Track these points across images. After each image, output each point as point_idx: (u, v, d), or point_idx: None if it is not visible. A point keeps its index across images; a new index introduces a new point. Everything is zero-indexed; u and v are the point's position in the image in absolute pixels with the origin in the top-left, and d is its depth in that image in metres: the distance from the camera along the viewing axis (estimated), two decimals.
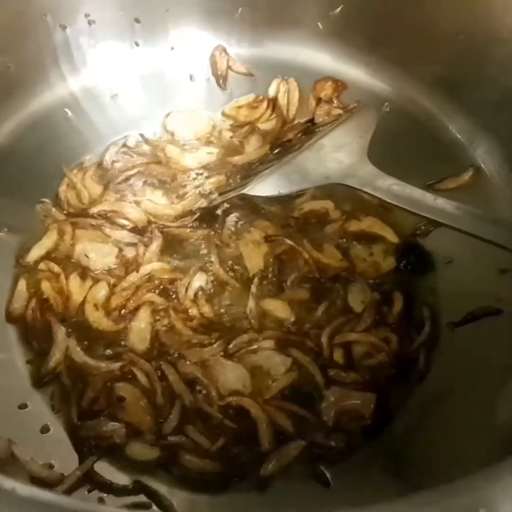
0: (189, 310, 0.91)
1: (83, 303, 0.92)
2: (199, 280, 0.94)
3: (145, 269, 0.95)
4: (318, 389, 0.85)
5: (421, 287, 0.96)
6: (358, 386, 0.86)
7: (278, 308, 0.91)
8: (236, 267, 0.97)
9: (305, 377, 0.86)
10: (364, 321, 0.91)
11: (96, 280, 0.94)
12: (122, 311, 0.92)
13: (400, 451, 0.82)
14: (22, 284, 0.94)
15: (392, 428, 0.84)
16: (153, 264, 0.96)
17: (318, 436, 0.81)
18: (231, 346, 0.87)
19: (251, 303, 0.90)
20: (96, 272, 0.96)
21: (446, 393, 0.85)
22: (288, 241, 0.96)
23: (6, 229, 0.97)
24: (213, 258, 0.96)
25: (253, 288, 0.92)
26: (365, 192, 0.84)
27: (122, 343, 0.89)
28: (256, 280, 0.93)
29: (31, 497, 0.42)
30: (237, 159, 1.11)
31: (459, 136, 1.05)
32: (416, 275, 0.97)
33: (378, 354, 0.88)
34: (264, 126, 1.16)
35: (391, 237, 0.99)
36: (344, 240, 0.99)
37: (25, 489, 0.42)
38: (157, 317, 0.91)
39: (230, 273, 0.95)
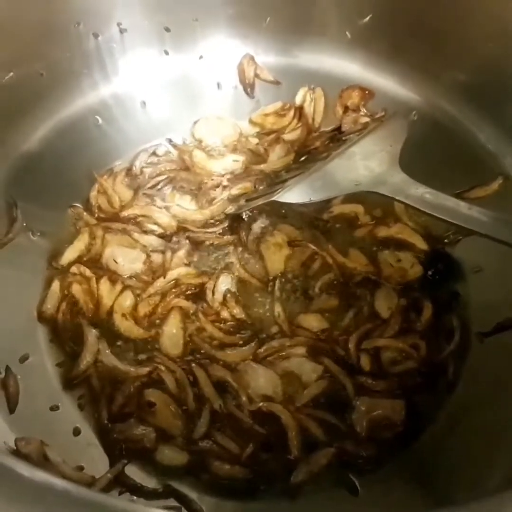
0: (220, 313, 0.91)
1: (112, 308, 0.93)
2: (224, 283, 0.95)
3: (172, 274, 0.96)
4: (349, 398, 0.84)
5: (450, 296, 0.95)
6: (387, 394, 0.85)
7: (311, 321, 0.91)
8: (257, 268, 0.97)
9: (335, 386, 0.86)
10: (391, 327, 0.90)
11: (124, 286, 0.95)
12: (152, 318, 0.92)
13: (427, 460, 0.82)
14: (55, 286, 0.95)
15: (420, 437, 0.84)
16: (179, 269, 0.97)
17: (349, 445, 0.81)
18: (262, 350, 0.87)
19: (278, 308, 0.91)
20: (123, 277, 0.97)
21: (474, 404, 0.85)
22: (312, 246, 0.96)
23: (38, 233, 0.98)
24: (234, 260, 0.97)
25: (277, 292, 0.93)
26: (397, 200, 0.84)
27: (155, 346, 0.89)
28: (278, 283, 0.93)
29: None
30: (263, 167, 1.12)
31: (487, 145, 1.05)
32: (444, 284, 0.96)
33: (407, 361, 0.88)
34: (289, 135, 1.17)
35: (420, 244, 0.99)
36: (371, 245, 0.99)
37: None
38: (187, 322, 0.91)
39: (252, 276, 0.96)
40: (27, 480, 0.45)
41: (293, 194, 0.89)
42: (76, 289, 0.94)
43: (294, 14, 1.13)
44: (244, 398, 0.82)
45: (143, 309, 0.93)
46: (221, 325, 0.91)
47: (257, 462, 0.80)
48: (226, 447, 0.80)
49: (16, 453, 0.72)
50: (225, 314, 0.91)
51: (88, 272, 0.96)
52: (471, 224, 0.77)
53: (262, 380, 0.84)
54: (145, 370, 0.86)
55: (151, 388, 0.85)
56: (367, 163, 0.90)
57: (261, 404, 0.82)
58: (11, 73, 0.95)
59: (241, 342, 0.88)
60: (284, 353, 0.86)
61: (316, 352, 0.87)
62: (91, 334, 0.89)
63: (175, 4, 1.09)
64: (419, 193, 0.82)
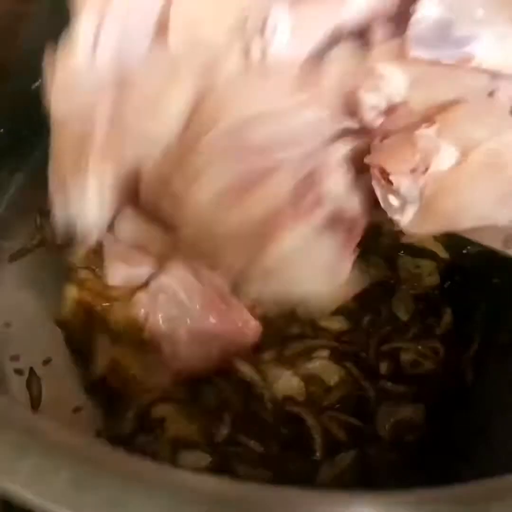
0: None
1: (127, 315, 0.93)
2: None
3: None
4: (370, 402, 0.85)
5: (469, 305, 0.96)
6: (407, 399, 0.85)
7: (332, 322, 0.91)
8: None
9: (357, 389, 0.86)
10: (410, 330, 0.91)
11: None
12: None
13: (451, 465, 0.81)
14: (72, 290, 0.95)
15: (442, 441, 0.83)
16: None
17: (372, 448, 0.81)
18: (286, 351, 0.87)
19: (299, 309, 0.91)
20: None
21: (494, 414, 0.84)
22: None
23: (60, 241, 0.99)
24: None
25: None
26: None
27: None
28: None
29: None
30: None
31: None
32: (463, 293, 0.97)
33: (426, 361, 0.88)
34: None
35: (442, 253, 0.99)
36: (392, 249, 1.00)
37: None
38: None
39: None
40: None
41: None
42: (89, 295, 0.94)
43: None
44: (267, 398, 0.82)
45: None
46: None
47: (281, 463, 0.80)
48: (249, 448, 0.80)
49: None
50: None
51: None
52: None
53: (285, 381, 0.84)
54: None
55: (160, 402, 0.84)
56: None
57: (285, 405, 0.82)
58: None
59: (263, 343, 0.88)
60: (307, 355, 0.87)
61: (338, 354, 0.88)
62: (103, 339, 0.89)
63: None
64: None
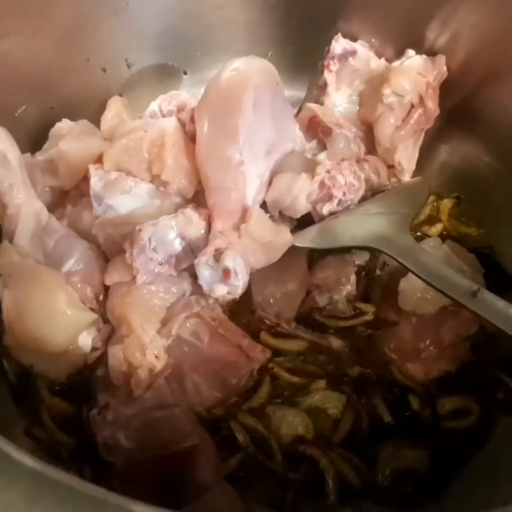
0: None
1: None
2: None
3: None
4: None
5: None
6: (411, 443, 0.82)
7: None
8: None
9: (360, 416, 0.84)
10: None
11: None
12: None
13: None
14: None
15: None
16: None
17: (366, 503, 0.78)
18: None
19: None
20: None
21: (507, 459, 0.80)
22: None
23: None
24: None
25: None
26: (400, 262, 0.83)
27: None
28: None
29: None
30: None
31: None
32: None
33: None
34: None
35: None
36: None
37: None
38: None
39: None
40: None
41: (302, 239, 0.90)
42: None
43: (295, 49, 1.14)
44: (275, 446, 0.79)
45: None
46: None
47: (292, 508, 0.76)
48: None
49: None
50: None
51: None
52: (475, 307, 0.74)
53: (291, 420, 0.81)
54: None
55: None
56: (378, 221, 0.90)
57: (297, 447, 0.79)
58: (24, 107, 0.95)
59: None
60: (305, 390, 0.85)
61: (335, 381, 0.86)
62: None
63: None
64: (423, 260, 0.81)
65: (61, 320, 0.77)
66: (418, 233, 1.01)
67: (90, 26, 0.99)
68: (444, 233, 1.02)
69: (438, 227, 1.02)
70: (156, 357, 0.77)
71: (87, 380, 0.82)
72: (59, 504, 0.43)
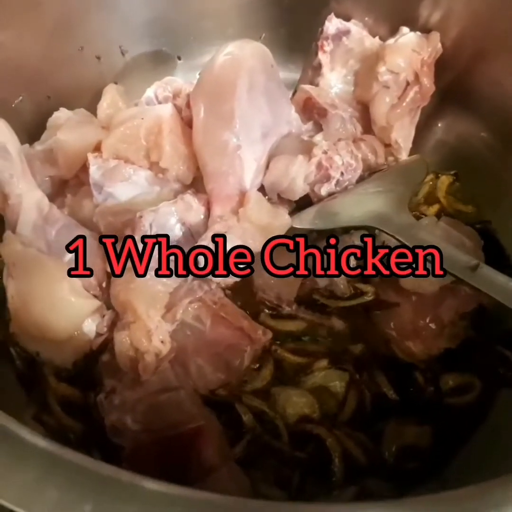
0: None
1: None
2: None
3: None
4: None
5: None
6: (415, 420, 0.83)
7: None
8: None
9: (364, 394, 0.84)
10: None
11: None
12: None
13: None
14: None
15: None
16: None
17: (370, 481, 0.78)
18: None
19: None
20: None
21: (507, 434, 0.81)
22: None
23: None
24: None
25: None
26: (397, 239, 0.83)
27: None
28: None
29: None
30: None
31: None
32: None
33: None
34: None
35: None
36: None
37: None
38: None
39: None
40: None
41: (301, 220, 0.90)
42: None
43: (287, 32, 1.14)
44: (281, 425, 0.80)
45: None
46: None
47: (298, 487, 0.77)
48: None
49: None
50: None
51: None
52: (475, 281, 0.75)
53: (296, 400, 0.81)
54: None
55: None
56: (376, 200, 0.90)
57: (303, 426, 0.80)
58: (20, 98, 0.96)
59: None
60: (308, 370, 0.85)
61: (338, 360, 0.86)
62: None
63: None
64: (423, 238, 0.82)
65: (65, 307, 0.79)
66: (416, 213, 1.01)
67: (82, 15, 0.99)
68: (442, 213, 1.02)
69: (436, 207, 1.02)
70: (162, 342, 0.78)
71: (93, 366, 0.83)
72: (71, 483, 0.44)
